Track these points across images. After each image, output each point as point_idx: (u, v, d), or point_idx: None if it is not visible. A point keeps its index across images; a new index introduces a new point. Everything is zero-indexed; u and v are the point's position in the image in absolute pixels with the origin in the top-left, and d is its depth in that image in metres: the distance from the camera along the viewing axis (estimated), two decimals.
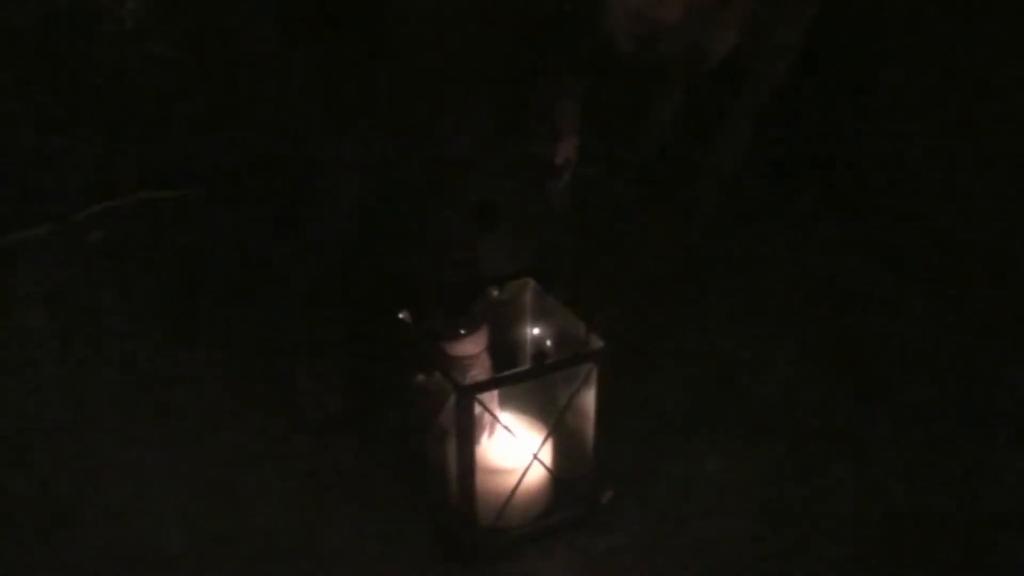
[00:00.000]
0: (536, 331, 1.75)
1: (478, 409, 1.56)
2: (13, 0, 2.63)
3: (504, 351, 1.70)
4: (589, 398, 1.65)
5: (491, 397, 1.61)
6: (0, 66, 2.65)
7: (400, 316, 1.66)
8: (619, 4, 1.46)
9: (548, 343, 1.71)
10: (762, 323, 2.25)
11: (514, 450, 1.65)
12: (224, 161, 2.54)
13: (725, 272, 2.41)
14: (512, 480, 1.63)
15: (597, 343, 1.60)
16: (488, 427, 1.66)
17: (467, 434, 1.54)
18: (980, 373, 2.09)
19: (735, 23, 1.46)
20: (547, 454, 1.66)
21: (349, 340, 1.92)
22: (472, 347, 1.60)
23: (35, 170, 2.62)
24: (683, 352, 2.14)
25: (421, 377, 1.65)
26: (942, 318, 2.25)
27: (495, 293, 1.70)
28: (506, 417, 1.65)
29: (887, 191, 2.54)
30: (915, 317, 2.27)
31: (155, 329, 2.21)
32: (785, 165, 2.62)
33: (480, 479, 1.60)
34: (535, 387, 1.68)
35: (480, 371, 1.60)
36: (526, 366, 1.63)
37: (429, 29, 1.44)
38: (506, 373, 1.61)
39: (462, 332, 1.55)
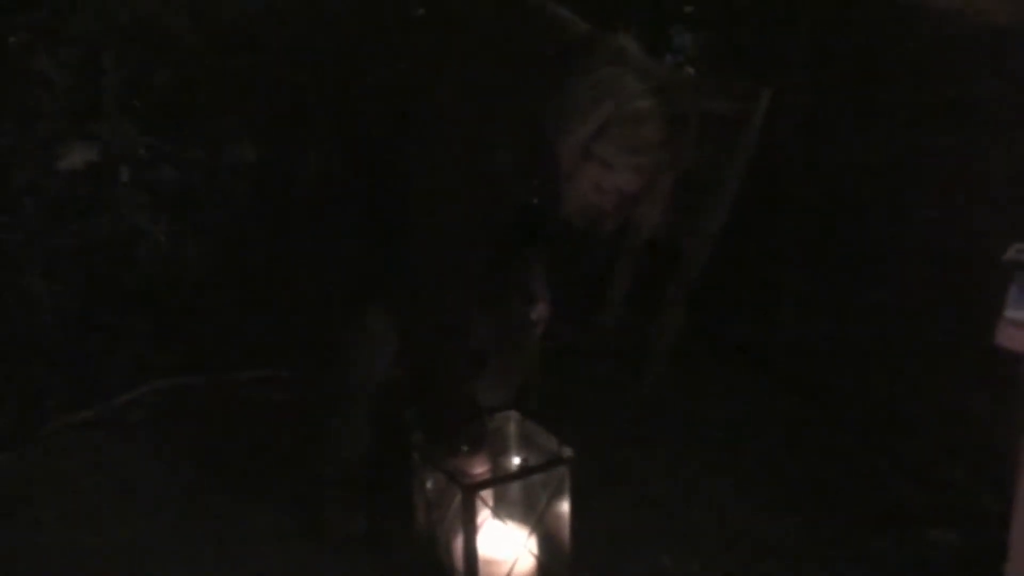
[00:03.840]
0: (520, 450, 2.14)
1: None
2: (65, 229, 3.10)
3: (496, 469, 2.07)
4: (564, 502, 2.04)
5: (488, 499, 2.03)
6: (52, 280, 3.11)
7: (416, 439, 2.07)
8: (571, 197, 1.92)
9: (528, 460, 2.10)
10: (697, 454, 2.71)
11: (506, 544, 2.02)
12: (255, 346, 2.97)
13: (669, 414, 2.91)
14: (505, 569, 2.01)
15: (568, 452, 2.03)
16: (481, 526, 2.06)
17: (471, 526, 1.95)
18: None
19: (659, 206, 1.94)
20: (533, 547, 2.05)
21: (370, 469, 2.31)
22: (478, 466, 1.98)
23: (82, 362, 2.97)
24: (636, 473, 2.60)
25: (432, 487, 2.07)
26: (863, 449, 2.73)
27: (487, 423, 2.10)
28: (499, 521, 2.04)
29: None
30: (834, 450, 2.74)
31: (191, 484, 2.55)
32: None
33: (481, 568, 1.98)
34: (521, 493, 2.08)
35: None
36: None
37: (442, 219, 1.92)
38: (499, 476, 2.02)
39: (464, 449, 1.98)
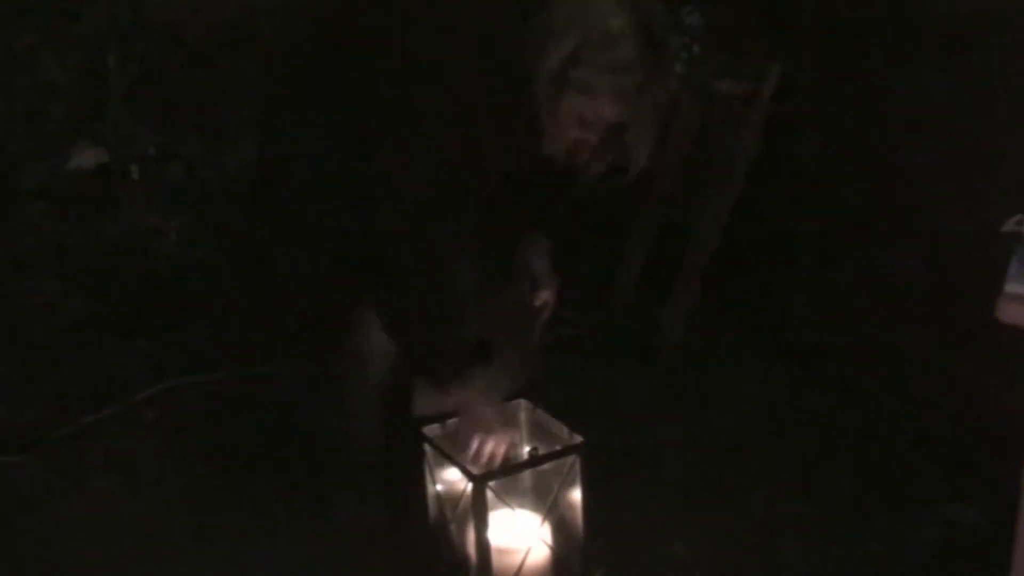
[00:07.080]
0: (531, 439, 2.13)
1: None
2: (76, 229, 3.12)
3: (506, 459, 2.09)
4: (576, 490, 2.03)
5: (498, 489, 2.01)
6: (64, 280, 3.13)
7: (427, 431, 2.06)
8: (554, 135, 1.86)
9: (539, 449, 2.07)
10: (711, 439, 2.70)
11: (519, 533, 2.01)
12: (261, 343, 2.98)
13: (681, 399, 2.90)
14: (518, 558, 2.00)
15: (577, 439, 2.02)
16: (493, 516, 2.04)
17: (482, 517, 1.94)
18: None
19: (645, 140, 1.90)
20: (546, 536, 2.03)
21: (381, 463, 2.29)
22: (484, 406, 1.99)
23: (96, 362, 3.03)
24: (649, 460, 2.59)
25: (443, 479, 2.06)
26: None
27: None
28: (511, 510, 2.03)
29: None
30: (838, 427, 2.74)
31: (205, 481, 2.57)
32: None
33: (494, 558, 1.97)
34: (532, 482, 2.07)
35: None
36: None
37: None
38: (509, 465, 2.01)
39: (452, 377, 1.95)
